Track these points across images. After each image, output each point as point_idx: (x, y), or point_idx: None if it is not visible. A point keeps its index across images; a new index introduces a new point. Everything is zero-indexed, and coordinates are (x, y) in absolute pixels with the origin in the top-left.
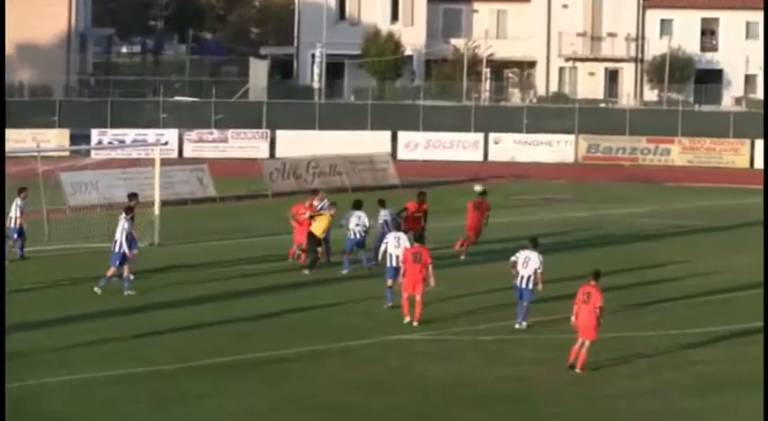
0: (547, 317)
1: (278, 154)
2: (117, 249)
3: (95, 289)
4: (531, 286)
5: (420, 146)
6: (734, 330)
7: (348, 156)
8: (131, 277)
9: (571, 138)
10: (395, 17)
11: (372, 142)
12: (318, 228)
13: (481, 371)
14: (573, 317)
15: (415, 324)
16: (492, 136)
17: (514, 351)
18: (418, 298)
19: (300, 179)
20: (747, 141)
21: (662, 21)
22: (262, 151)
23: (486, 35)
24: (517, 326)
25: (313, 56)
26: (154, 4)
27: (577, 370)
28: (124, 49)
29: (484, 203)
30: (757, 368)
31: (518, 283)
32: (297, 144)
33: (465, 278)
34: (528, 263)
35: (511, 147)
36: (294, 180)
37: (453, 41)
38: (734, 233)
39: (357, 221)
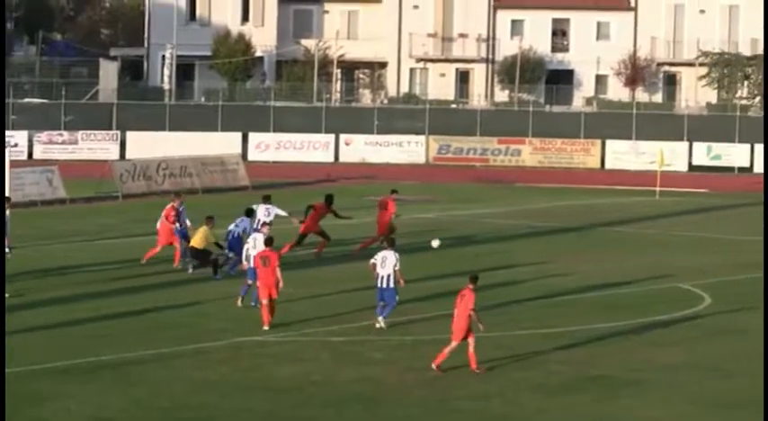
0: (397, 318)
1: (128, 155)
2: None
3: None
4: (391, 285)
5: (271, 147)
6: (585, 330)
7: (198, 157)
8: None
9: (422, 139)
10: (245, 18)
11: (223, 143)
12: (197, 241)
13: (332, 371)
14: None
15: (266, 327)
16: (343, 137)
17: (365, 352)
18: (270, 301)
19: (151, 181)
20: (598, 142)
21: (513, 21)
22: (112, 153)
23: (336, 36)
24: (377, 325)
25: (163, 57)
26: (2, 5)
27: (473, 369)
28: None
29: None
30: (607, 369)
31: (379, 284)
32: (147, 145)
33: (317, 279)
34: (386, 262)
35: (362, 149)
36: (145, 181)
37: (304, 42)
38: (585, 233)
39: (266, 213)
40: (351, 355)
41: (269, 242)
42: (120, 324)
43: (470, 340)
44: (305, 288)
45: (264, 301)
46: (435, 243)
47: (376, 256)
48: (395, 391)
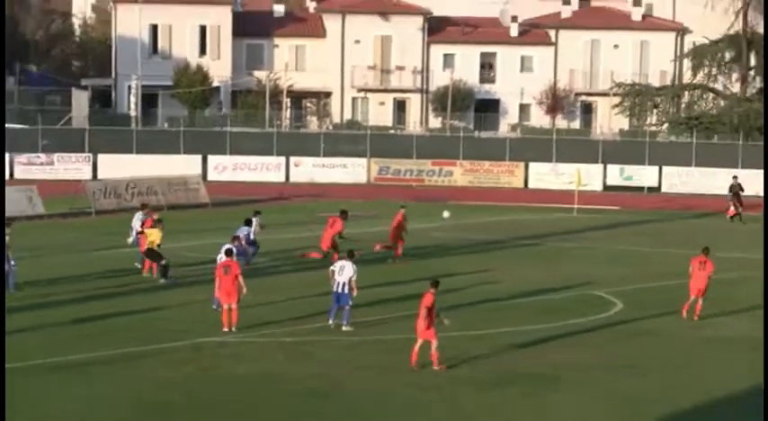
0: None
1: (100, 175)
2: None
3: None
4: (346, 291)
5: (228, 168)
6: (511, 332)
7: (163, 177)
8: None
9: (363, 161)
10: (203, 52)
11: (185, 165)
12: (154, 240)
13: (287, 369)
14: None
15: (233, 329)
16: (293, 159)
17: (318, 352)
18: (234, 306)
19: (121, 198)
20: (522, 164)
21: (445, 55)
22: (85, 173)
23: (286, 68)
24: (344, 328)
25: (129, 87)
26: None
27: (434, 367)
28: None
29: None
30: (531, 368)
31: (335, 289)
32: (117, 167)
33: (274, 286)
34: (343, 271)
35: (310, 170)
36: (115, 199)
37: (257, 74)
38: (511, 246)
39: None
40: (304, 355)
41: (229, 253)
42: (87, 326)
43: (433, 341)
44: (263, 294)
45: (225, 306)
46: (446, 214)
47: (335, 265)
48: (343, 386)
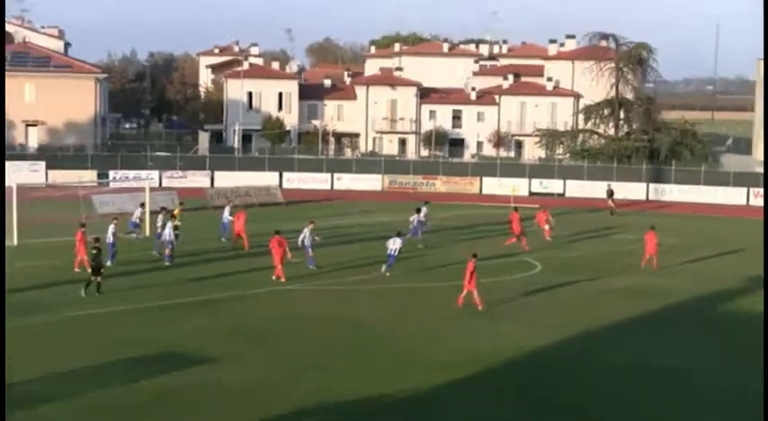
0: (373, 274)
1: (215, 185)
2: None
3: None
4: (394, 254)
5: (295, 180)
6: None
7: (255, 186)
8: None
9: (379, 176)
10: (280, 108)
11: (269, 178)
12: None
13: (335, 308)
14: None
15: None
16: (335, 175)
17: (352, 296)
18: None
19: (227, 199)
20: (478, 178)
21: (430, 111)
22: (206, 183)
23: (331, 119)
24: (384, 271)
25: (234, 130)
26: (143, 99)
27: (479, 308)
28: (126, 126)
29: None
30: (486, 304)
31: (389, 253)
32: (226, 179)
33: (327, 254)
34: (396, 242)
35: (346, 182)
36: (225, 199)
37: (314, 122)
38: (472, 229)
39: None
40: (343, 298)
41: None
42: (204, 278)
43: (474, 291)
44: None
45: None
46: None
47: (392, 239)
48: (368, 319)
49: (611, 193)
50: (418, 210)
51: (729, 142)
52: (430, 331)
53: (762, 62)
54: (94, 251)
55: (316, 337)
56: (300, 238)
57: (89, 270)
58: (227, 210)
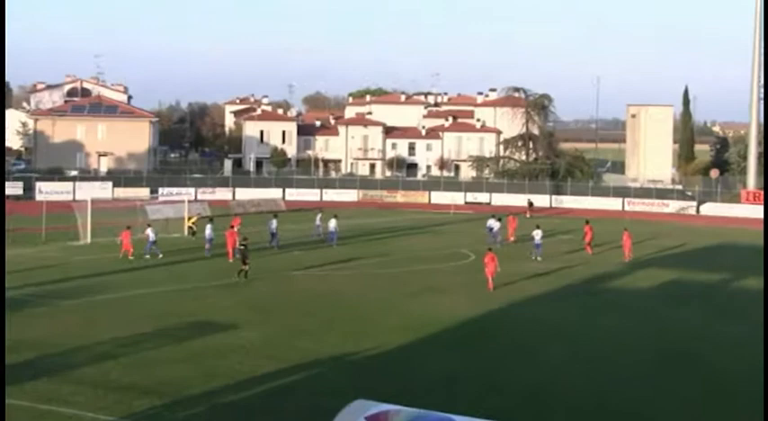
0: (346, 264)
1: (237, 197)
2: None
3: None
4: (538, 242)
5: (294, 194)
6: (408, 271)
7: (264, 198)
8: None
9: (355, 191)
10: (284, 141)
11: (275, 193)
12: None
13: (318, 286)
14: (486, 268)
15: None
16: (324, 190)
17: (334, 278)
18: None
19: (245, 208)
20: (428, 192)
21: (392, 143)
22: (229, 196)
23: (320, 149)
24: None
25: (250, 158)
26: (184, 135)
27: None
28: (172, 155)
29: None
30: (416, 286)
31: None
32: (244, 194)
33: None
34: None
35: (332, 195)
36: (243, 208)
37: (308, 152)
38: (421, 229)
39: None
40: (325, 279)
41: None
42: (230, 267)
43: (490, 277)
44: (309, 253)
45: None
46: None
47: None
48: (347, 294)
49: (530, 204)
50: (499, 219)
51: (608, 165)
52: (389, 303)
53: (628, 108)
54: (242, 246)
55: (305, 308)
56: (329, 228)
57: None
58: (274, 222)
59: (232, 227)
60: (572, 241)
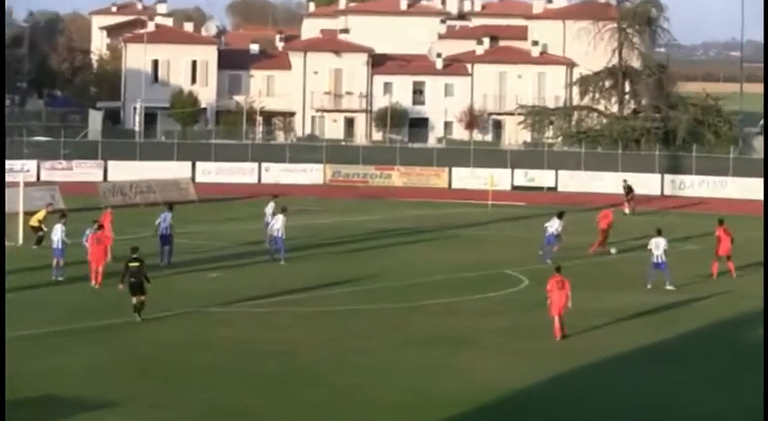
0: (303, 295)
1: (110, 178)
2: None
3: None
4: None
5: (212, 172)
6: (438, 303)
7: (160, 179)
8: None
9: (320, 166)
10: (194, 80)
11: (178, 169)
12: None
13: (256, 334)
14: (548, 301)
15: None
16: (264, 165)
17: (280, 320)
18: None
19: (126, 196)
20: (446, 169)
21: (385, 83)
22: (98, 176)
23: (259, 93)
24: (668, 286)
25: (135, 108)
26: (19, 70)
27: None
28: None
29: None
30: (453, 332)
31: (654, 260)
32: (123, 171)
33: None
34: (659, 246)
35: (277, 174)
36: (121, 197)
37: (236, 98)
38: (439, 233)
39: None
40: (268, 321)
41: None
42: (99, 299)
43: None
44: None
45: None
46: (614, 251)
47: (651, 242)
48: (302, 348)
49: (629, 189)
50: (560, 215)
51: (763, 121)
52: (376, 364)
53: None
54: (133, 263)
55: (235, 374)
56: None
57: None
58: (167, 217)
59: (101, 227)
60: (703, 254)
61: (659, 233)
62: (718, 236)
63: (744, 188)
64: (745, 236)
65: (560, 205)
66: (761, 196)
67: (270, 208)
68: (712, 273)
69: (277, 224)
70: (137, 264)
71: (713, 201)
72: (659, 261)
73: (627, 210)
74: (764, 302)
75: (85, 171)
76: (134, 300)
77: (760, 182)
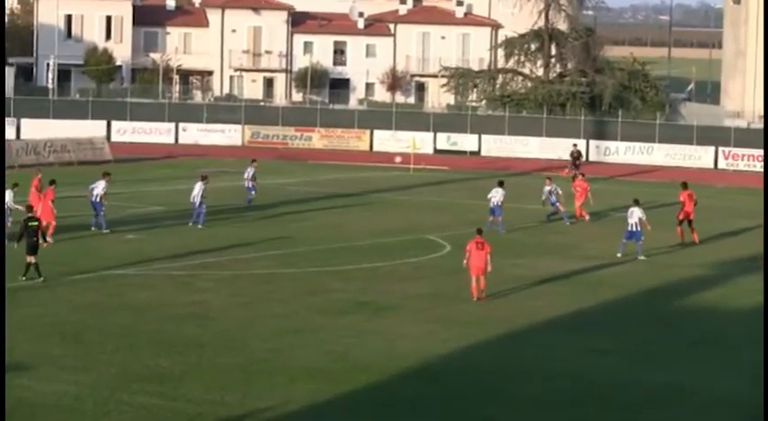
0: (222, 258)
1: (22, 137)
2: None
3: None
4: (639, 228)
5: (128, 132)
6: (357, 268)
7: (74, 138)
8: None
9: (239, 127)
10: (108, 37)
11: (93, 129)
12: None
13: (174, 297)
14: (465, 261)
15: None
16: (181, 125)
17: (197, 283)
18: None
19: (39, 155)
20: (368, 131)
21: (305, 42)
22: (10, 134)
23: (176, 51)
24: (640, 257)
25: (48, 64)
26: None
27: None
28: None
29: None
30: (373, 297)
31: (630, 228)
32: (36, 129)
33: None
34: (633, 214)
35: (195, 134)
36: (35, 156)
37: (152, 55)
38: (360, 198)
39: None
40: (186, 285)
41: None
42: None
43: (482, 276)
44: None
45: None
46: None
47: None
48: (220, 311)
49: (578, 155)
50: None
51: (691, 87)
52: (294, 328)
53: None
54: (29, 223)
55: (151, 335)
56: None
57: None
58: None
59: (52, 183)
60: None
61: (636, 202)
62: (683, 200)
63: (670, 154)
64: (672, 202)
65: (483, 170)
66: (686, 163)
67: (251, 170)
68: (681, 239)
69: (195, 190)
70: (35, 223)
71: (637, 166)
72: (634, 230)
73: (569, 174)
74: (764, 302)
75: None
76: (33, 259)
77: (686, 148)
